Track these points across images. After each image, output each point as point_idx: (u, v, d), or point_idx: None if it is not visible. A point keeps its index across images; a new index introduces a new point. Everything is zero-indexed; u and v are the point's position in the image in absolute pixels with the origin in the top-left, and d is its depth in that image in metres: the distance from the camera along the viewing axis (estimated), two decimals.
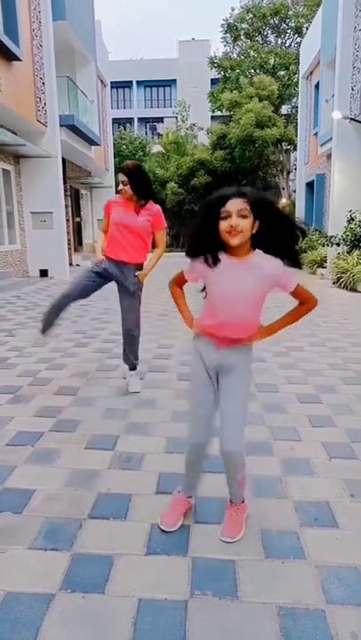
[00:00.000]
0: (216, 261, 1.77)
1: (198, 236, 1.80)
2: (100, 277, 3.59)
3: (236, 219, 1.67)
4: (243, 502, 2.08)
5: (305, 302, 1.90)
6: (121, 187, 3.46)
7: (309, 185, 17.77)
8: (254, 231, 1.72)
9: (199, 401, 1.96)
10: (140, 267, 3.59)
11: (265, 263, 1.76)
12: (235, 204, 1.67)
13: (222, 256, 1.77)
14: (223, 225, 1.69)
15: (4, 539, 1.96)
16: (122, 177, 3.46)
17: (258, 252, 1.79)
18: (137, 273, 3.55)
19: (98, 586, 1.71)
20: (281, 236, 1.75)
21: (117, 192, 3.59)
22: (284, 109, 26.13)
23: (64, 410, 3.35)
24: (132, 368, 3.85)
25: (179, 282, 2.02)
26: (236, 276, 1.77)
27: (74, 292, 3.57)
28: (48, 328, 3.67)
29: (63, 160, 13.12)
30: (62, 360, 4.63)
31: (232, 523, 2.02)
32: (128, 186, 3.42)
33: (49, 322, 3.66)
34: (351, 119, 11.13)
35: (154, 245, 3.70)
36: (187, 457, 2.09)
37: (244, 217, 1.67)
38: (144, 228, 3.50)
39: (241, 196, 1.68)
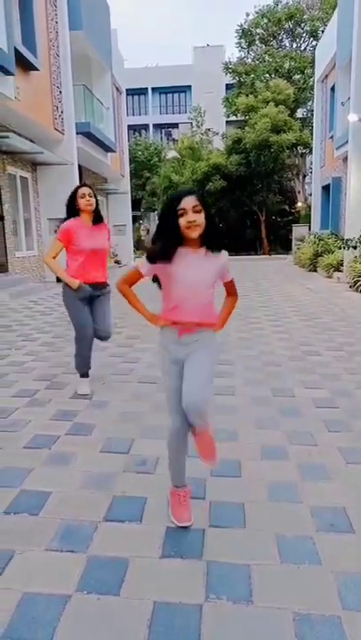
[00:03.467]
0: (173, 253, 1.93)
1: (161, 238, 1.96)
2: (86, 301, 3.74)
3: (193, 214, 1.87)
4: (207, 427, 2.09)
5: (232, 294, 2.20)
6: (87, 199, 3.61)
7: (325, 188, 17.64)
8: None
9: (174, 389, 2.07)
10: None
11: (217, 254, 2.00)
12: (189, 202, 1.88)
13: (181, 249, 1.95)
14: (182, 221, 1.88)
15: (22, 540, 1.99)
16: (87, 190, 3.66)
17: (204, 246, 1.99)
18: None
19: (113, 588, 1.72)
20: (213, 227, 1.98)
21: (71, 207, 3.71)
22: (300, 113, 26.03)
23: (80, 413, 3.38)
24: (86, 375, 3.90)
25: (132, 280, 2.10)
26: (199, 265, 1.98)
27: (84, 333, 3.77)
28: (86, 369, 3.90)
29: (79, 167, 13.27)
30: None
31: (204, 445, 2.09)
32: (93, 199, 3.64)
33: (84, 366, 3.89)
34: None
35: None
36: (169, 445, 2.17)
37: (198, 212, 1.89)
38: (106, 247, 3.78)
39: (192, 194, 1.90)
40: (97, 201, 3.74)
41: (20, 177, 11.50)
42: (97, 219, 3.71)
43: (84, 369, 3.88)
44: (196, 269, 1.98)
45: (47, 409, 3.48)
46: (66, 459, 2.69)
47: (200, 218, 1.89)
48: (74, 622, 1.58)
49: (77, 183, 12.46)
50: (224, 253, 2.04)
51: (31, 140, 10.95)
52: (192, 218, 1.87)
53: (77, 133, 12.38)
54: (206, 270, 2.00)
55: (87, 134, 12.96)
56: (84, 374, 3.89)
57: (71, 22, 11.89)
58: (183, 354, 2.05)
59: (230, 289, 2.19)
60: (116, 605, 1.64)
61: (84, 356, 3.84)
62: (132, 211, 21.16)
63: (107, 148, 15.24)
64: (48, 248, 3.89)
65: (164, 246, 1.94)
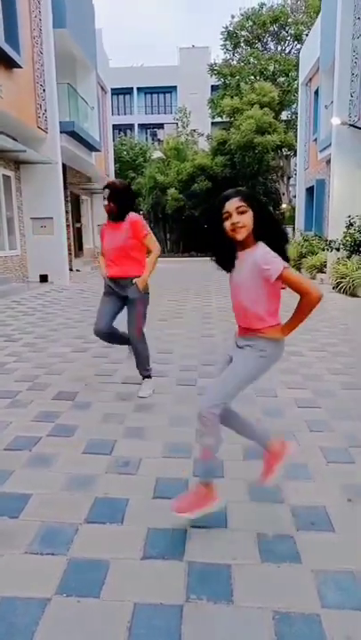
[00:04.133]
0: (228, 260, 1.99)
1: (216, 246, 1.99)
2: (111, 294, 3.77)
3: (236, 216, 1.86)
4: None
5: (303, 294, 1.90)
6: (105, 202, 3.60)
7: (309, 190, 17.83)
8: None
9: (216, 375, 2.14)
10: (138, 277, 3.60)
11: (256, 251, 1.90)
12: (232, 204, 1.86)
13: (238, 252, 1.96)
14: (227, 225, 1.88)
15: (1, 543, 1.96)
16: (105, 193, 3.60)
17: (260, 243, 1.92)
18: (134, 281, 3.58)
19: (93, 590, 1.70)
20: (268, 230, 1.91)
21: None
22: (284, 115, 26.27)
23: (62, 415, 3.35)
24: (145, 377, 3.89)
25: None
26: (239, 268, 1.97)
27: (100, 324, 3.76)
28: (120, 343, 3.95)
29: (64, 166, 13.18)
30: (61, 365, 4.64)
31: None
32: (112, 200, 3.54)
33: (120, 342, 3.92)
34: (350, 125, 11.20)
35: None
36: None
37: (242, 213, 1.86)
38: (125, 243, 3.59)
39: (236, 195, 1.87)
40: (119, 197, 3.55)
41: (3, 175, 11.36)
42: (117, 216, 3.60)
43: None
44: (237, 273, 1.98)
45: (29, 410, 3.44)
46: (47, 460, 2.66)
47: (244, 219, 1.86)
48: (53, 626, 1.56)
49: (61, 183, 12.42)
50: (259, 247, 1.89)
51: (14, 138, 10.83)
52: (235, 220, 1.85)
53: (61, 132, 12.29)
54: (242, 272, 1.94)
55: (71, 133, 12.88)
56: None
57: (55, 20, 11.80)
58: (233, 353, 2.09)
59: (292, 286, 1.90)
60: (96, 608, 1.63)
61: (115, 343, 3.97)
62: None
63: (91, 148, 15.16)
64: None
65: (219, 256, 2.00)
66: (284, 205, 26.38)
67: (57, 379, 4.19)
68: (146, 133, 37.37)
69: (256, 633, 1.53)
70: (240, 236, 1.88)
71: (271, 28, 26.05)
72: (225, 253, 1.98)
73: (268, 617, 1.59)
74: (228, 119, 25.97)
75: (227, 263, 2.00)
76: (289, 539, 1.98)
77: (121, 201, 3.55)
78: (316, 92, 16.33)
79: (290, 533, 2.02)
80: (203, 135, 29.39)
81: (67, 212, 14.15)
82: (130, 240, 3.58)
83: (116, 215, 3.58)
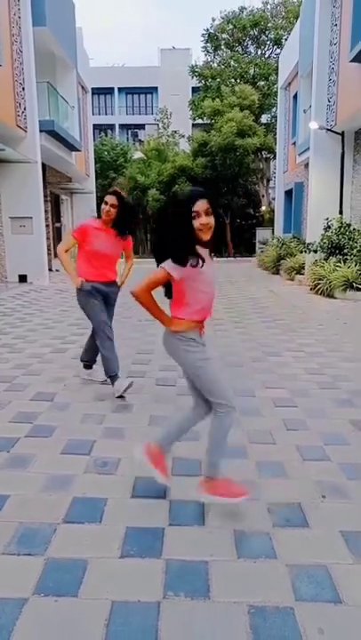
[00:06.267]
0: (202, 261, 2.00)
1: (180, 241, 1.97)
2: (99, 296, 3.75)
3: (205, 217, 1.94)
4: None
5: None
6: (108, 209, 3.57)
7: (288, 193, 18.06)
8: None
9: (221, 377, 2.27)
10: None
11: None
12: (202, 204, 1.94)
13: (200, 249, 2.01)
14: (195, 223, 1.94)
15: None
16: (110, 199, 3.58)
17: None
18: (118, 283, 3.91)
19: (71, 589, 1.71)
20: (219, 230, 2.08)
21: (98, 212, 3.73)
22: (264, 119, 26.55)
23: (40, 415, 3.33)
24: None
25: (156, 286, 2.08)
26: (212, 264, 2.09)
27: (105, 328, 3.74)
28: (118, 369, 3.77)
29: (43, 165, 13.05)
30: (40, 366, 4.60)
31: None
32: (116, 210, 3.58)
33: (117, 365, 3.76)
34: (328, 130, 11.39)
35: None
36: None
37: (210, 214, 1.96)
38: (117, 254, 3.85)
39: (204, 197, 1.95)
40: (125, 212, 3.64)
41: None
42: (120, 230, 3.66)
43: (117, 369, 3.73)
44: (212, 269, 2.09)
45: (7, 411, 3.41)
46: (25, 461, 2.65)
47: (212, 220, 1.97)
48: (31, 626, 1.56)
49: (41, 182, 12.30)
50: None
51: None
52: (205, 221, 1.94)
53: (41, 131, 12.17)
54: (213, 267, 2.10)
55: (51, 132, 12.76)
56: (116, 375, 3.72)
57: (35, 18, 11.67)
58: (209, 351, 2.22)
59: None
60: (74, 607, 1.64)
61: (115, 356, 3.75)
62: (98, 211, 20.94)
63: (71, 147, 15.04)
64: (63, 240, 3.99)
65: (190, 249, 1.99)
66: (263, 207, 26.65)
67: (35, 379, 4.16)
68: (127, 134, 37.23)
69: (232, 627, 1.56)
70: (207, 236, 1.98)
71: (251, 32, 26.29)
72: (188, 248, 1.97)
73: (244, 611, 1.62)
74: (208, 121, 26.10)
75: (186, 257, 1.97)
76: (265, 535, 2.02)
77: (123, 215, 3.61)
78: (295, 97, 16.56)
79: (266, 530, 2.06)
80: (184, 136, 29.46)
81: (46, 211, 14.01)
82: (120, 252, 3.84)
83: (115, 225, 3.63)
